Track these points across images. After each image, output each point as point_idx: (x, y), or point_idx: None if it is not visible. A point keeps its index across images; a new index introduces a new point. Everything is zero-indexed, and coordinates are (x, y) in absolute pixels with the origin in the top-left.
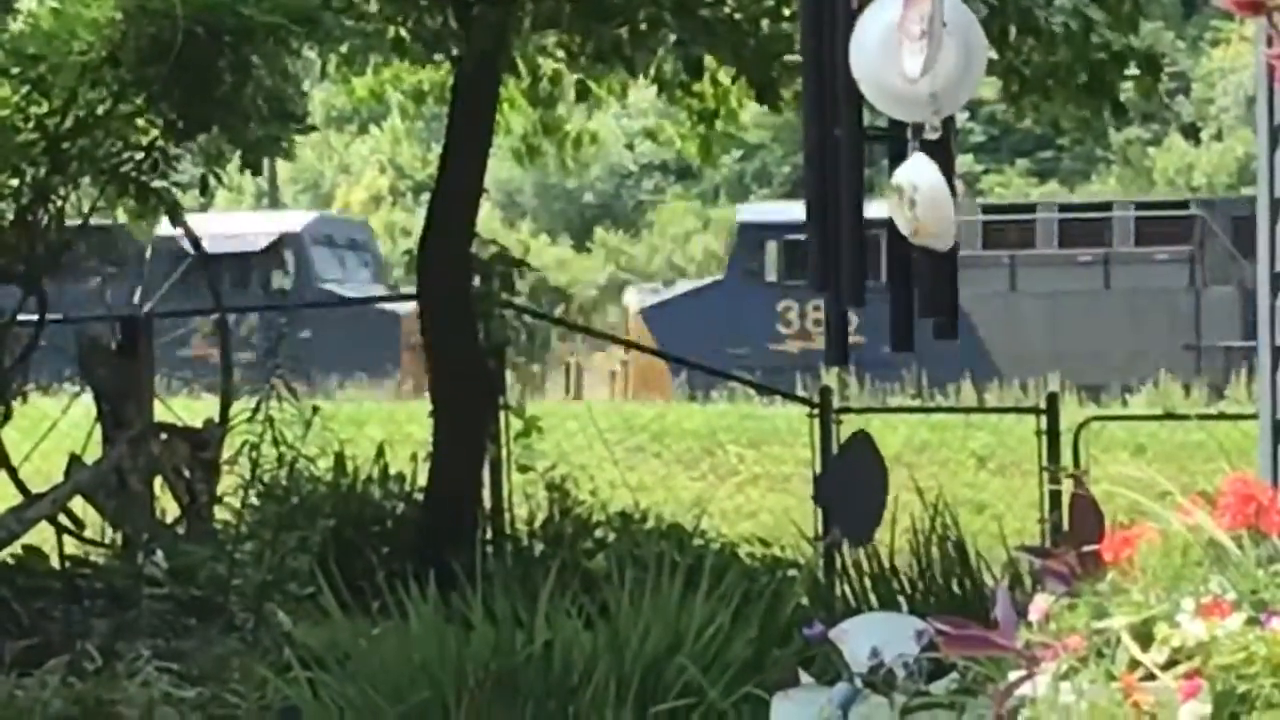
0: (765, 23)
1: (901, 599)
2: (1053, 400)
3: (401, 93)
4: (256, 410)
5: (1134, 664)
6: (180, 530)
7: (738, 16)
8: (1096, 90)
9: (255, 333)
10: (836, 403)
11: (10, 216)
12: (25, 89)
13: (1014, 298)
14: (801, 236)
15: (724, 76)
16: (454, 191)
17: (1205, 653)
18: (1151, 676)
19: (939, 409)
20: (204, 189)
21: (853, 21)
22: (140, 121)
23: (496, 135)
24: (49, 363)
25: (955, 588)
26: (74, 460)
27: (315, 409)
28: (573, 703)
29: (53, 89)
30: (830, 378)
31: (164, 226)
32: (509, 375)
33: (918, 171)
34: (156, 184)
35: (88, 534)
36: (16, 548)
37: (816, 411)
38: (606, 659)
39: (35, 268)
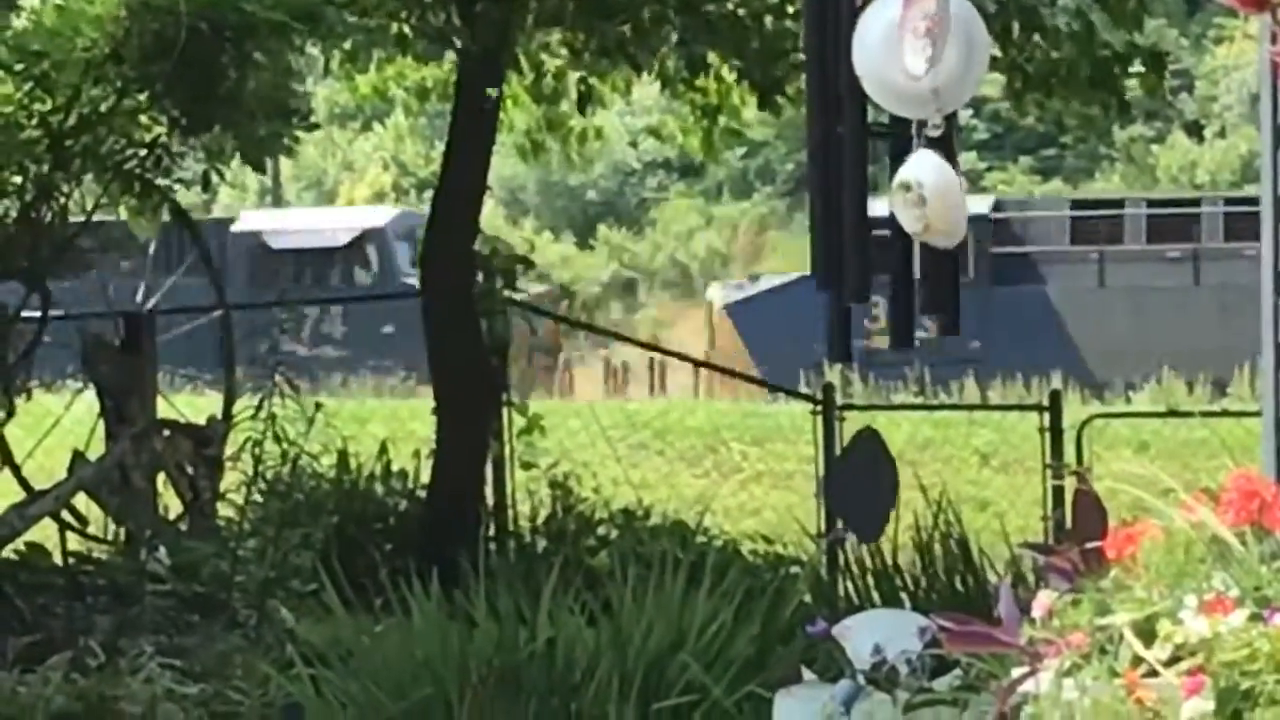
0: (769, 20)
1: (904, 596)
2: (1055, 397)
3: (405, 90)
4: (260, 407)
5: (1137, 661)
6: (183, 527)
7: (741, 13)
8: (1102, 87)
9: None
10: (840, 400)
11: (14, 213)
12: (29, 86)
13: (1102, 294)
14: (887, 232)
15: (727, 73)
16: (457, 189)
17: (1208, 649)
18: (1154, 673)
19: (942, 406)
20: (206, 185)
21: (856, 18)
22: (143, 118)
23: (500, 132)
24: (52, 359)
25: (958, 585)
26: (77, 457)
27: (318, 405)
28: (575, 700)
29: (56, 86)
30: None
31: (243, 221)
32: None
33: (926, 168)
34: (160, 181)
35: (91, 530)
36: (19, 544)
37: (820, 409)
38: (609, 656)
39: (39, 264)
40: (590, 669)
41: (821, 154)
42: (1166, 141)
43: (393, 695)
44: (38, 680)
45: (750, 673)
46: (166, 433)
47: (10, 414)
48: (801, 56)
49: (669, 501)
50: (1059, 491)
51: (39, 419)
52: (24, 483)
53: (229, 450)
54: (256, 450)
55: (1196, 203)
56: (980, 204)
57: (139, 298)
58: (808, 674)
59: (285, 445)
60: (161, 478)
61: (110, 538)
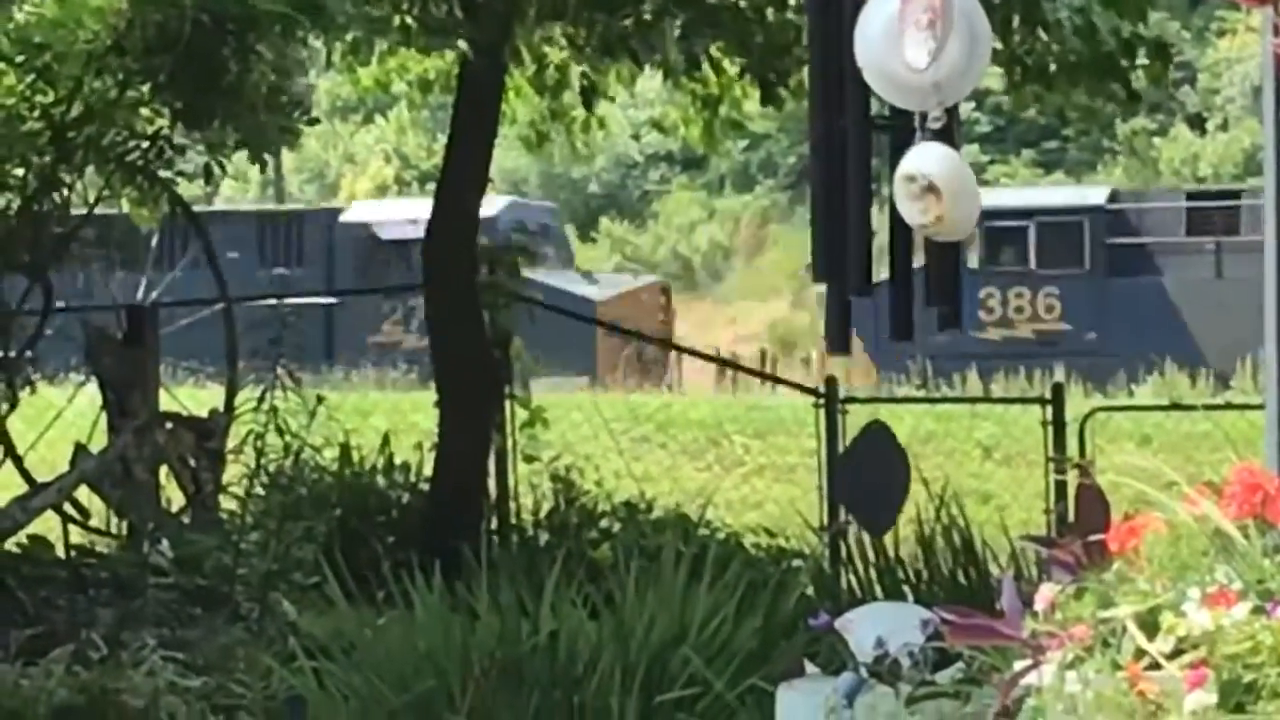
0: (770, 12)
1: (907, 589)
2: (1058, 390)
3: (407, 82)
4: (262, 400)
5: (1140, 653)
6: (185, 520)
7: (743, 5)
8: (1108, 77)
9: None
10: (842, 393)
11: (16, 206)
12: (31, 78)
13: (1220, 285)
14: (1004, 224)
15: (729, 66)
16: (459, 181)
17: (1211, 642)
18: (1157, 666)
19: (944, 399)
20: (208, 178)
21: (859, 10)
22: (146, 110)
23: (502, 124)
24: (55, 352)
25: (961, 578)
26: (79, 449)
27: (320, 398)
28: (578, 692)
29: (58, 78)
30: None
31: (352, 212)
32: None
33: (932, 160)
34: (162, 173)
35: (93, 523)
36: (22, 537)
37: (822, 402)
38: (611, 649)
39: (41, 257)
40: (592, 662)
41: (823, 147)
42: (1169, 134)
43: (395, 688)
44: (40, 673)
45: (752, 666)
46: (169, 425)
47: (13, 406)
48: (804, 49)
49: (671, 494)
50: (1061, 485)
51: (41, 411)
52: (26, 475)
53: (231, 443)
54: (259, 443)
55: None
56: (1096, 195)
57: (140, 291)
58: (810, 667)
59: (287, 438)
60: (164, 470)
61: (113, 530)
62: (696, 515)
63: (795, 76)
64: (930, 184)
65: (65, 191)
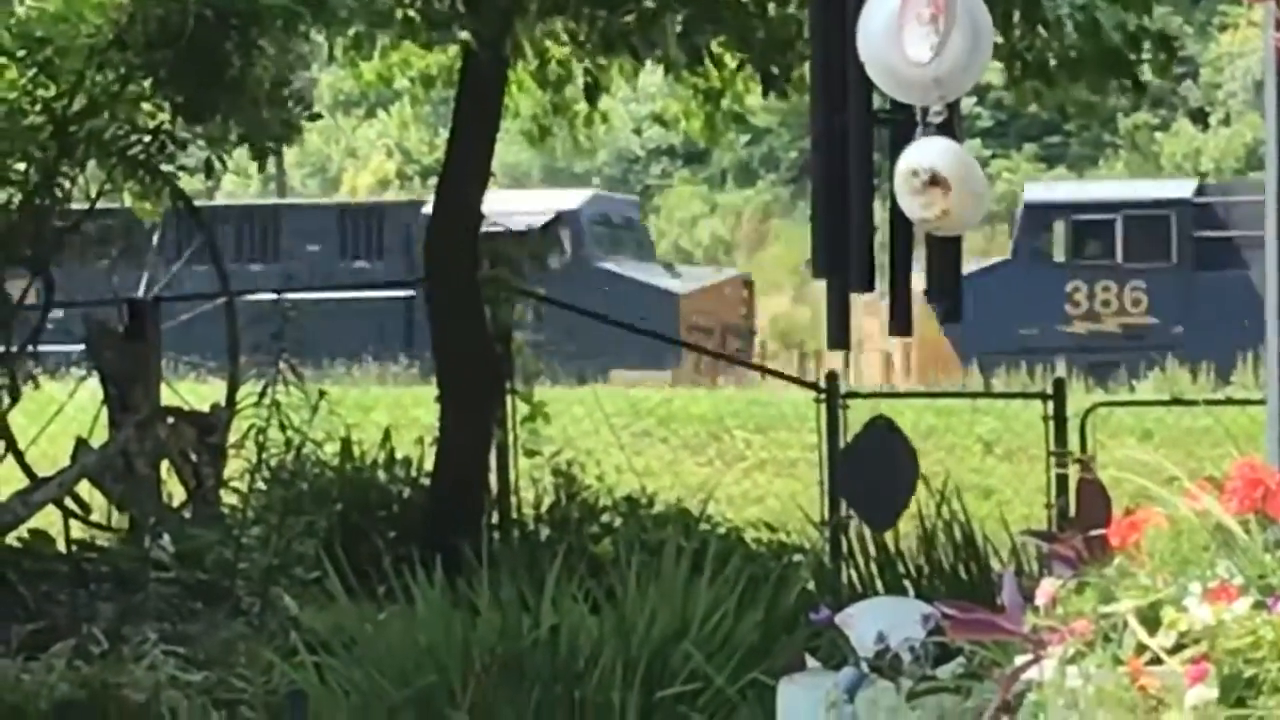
0: (772, 7)
1: (908, 583)
2: (1059, 385)
3: (409, 78)
4: (263, 395)
5: (1141, 648)
6: (187, 514)
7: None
8: (1112, 71)
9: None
10: (844, 387)
11: (18, 201)
12: (33, 72)
13: None
14: (1091, 217)
15: (730, 60)
16: (461, 175)
17: (1212, 637)
18: (1158, 661)
19: (945, 394)
20: (209, 172)
21: (860, 5)
22: (147, 105)
23: (504, 118)
24: (57, 346)
25: (962, 572)
26: (81, 444)
27: (322, 393)
28: (579, 687)
29: (60, 72)
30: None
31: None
32: None
33: (936, 153)
34: (164, 167)
35: (94, 518)
36: (23, 531)
37: (824, 396)
38: (613, 644)
39: (42, 252)
40: (594, 657)
41: (825, 141)
42: (1171, 129)
43: (396, 682)
44: (41, 667)
45: (754, 660)
46: (170, 420)
47: (15, 400)
48: (806, 44)
49: (672, 489)
50: (1062, 479)
51: (43, 406)
52: (28, 469)
53: (233, 438)
54: (260, 438)
55: None
56: (1183, 188)
57: (142, 285)
58: (811, 661)
59: (289, 433)
60: (165, 465)
61: (114, 525)
62: (698, 510)
63: (797, 71)
64: (934, 177)
65: (67, 186)
